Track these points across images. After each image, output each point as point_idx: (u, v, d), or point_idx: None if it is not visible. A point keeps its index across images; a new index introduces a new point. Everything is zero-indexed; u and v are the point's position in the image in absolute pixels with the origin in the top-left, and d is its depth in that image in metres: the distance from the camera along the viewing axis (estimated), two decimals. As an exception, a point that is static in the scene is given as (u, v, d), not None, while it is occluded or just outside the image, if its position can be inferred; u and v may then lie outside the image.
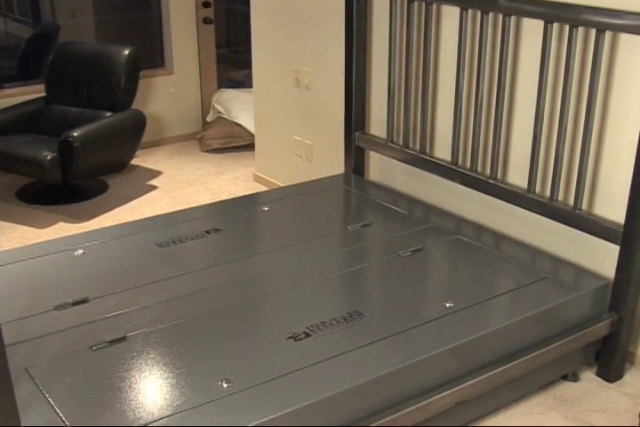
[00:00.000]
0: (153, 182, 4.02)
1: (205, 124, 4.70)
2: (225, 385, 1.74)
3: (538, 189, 2.48)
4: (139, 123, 3.83)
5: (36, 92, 4.01)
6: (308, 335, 1.95)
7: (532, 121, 2.39)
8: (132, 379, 1.78)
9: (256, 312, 2.11)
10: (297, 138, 3.59)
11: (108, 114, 3.77)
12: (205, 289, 2.21)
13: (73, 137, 3.43)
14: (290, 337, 1.94)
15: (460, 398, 1.96)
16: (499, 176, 2.58)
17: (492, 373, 2.01)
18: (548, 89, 2.34)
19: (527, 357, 2.08)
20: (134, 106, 3.89)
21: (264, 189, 3.78)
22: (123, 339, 1.93)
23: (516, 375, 2.10)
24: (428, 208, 2.86)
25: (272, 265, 2.38)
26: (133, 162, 4.14)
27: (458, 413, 2.01)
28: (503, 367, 2.03)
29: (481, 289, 2.21)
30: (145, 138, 3.99)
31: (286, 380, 1.77)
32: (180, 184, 3.99)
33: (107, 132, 3.65)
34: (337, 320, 2.02)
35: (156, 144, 4.58)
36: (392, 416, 1.84)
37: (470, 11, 2.52)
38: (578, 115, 2.31)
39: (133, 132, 3.83)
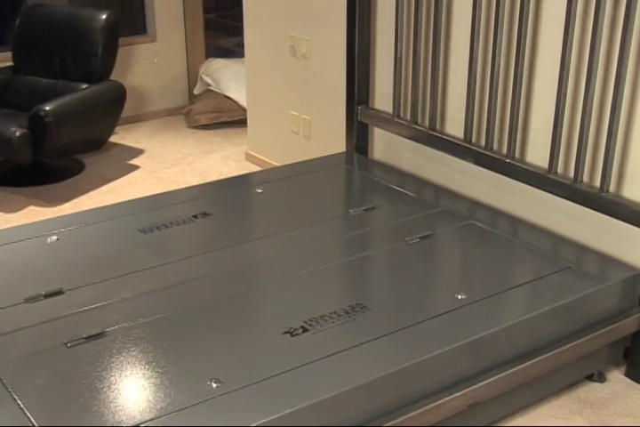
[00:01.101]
0: (134, 162, 4.02)
1: (192, 98, 4.68)
2: (214, 385, 1.74)
3: (560, 170, 2.47)
4: (118, 96, 3.81)
5: (1, 60, 3.98)
6: (305, 330, 1.95)
7: (555, 93, 2.37)
8: (112, 379, 1.78)
9: (248, 305, 2.11)
10: (293, 113, 3.57)
11: (84, 86, 3.75)
12: (193, 279, 2.21)
13: (44, 111, 3.41)
14: (286, 332, 1.94)
15: (472, 400, 1.96)
16: (516, 155, 2.57)
17: (508, 372, 2.01)
18: (573, 55, 2.32)
19: (548, 355, 2.08)
20: (113, 77, 3.87)
21: (257, 169, 3.78)
22: (101, 335, 1.93)
23: (536, 375, 2.10)
24: (438, 190, 2.86)
25: (266, 253, 2.38)
26: (112, 139, 4.14)
27: (470, 416, 2.01)
28: (521, 366, 2.03)
29: (496, 280, 2.21)
30: (125, 113, 3.98)
31: (281, 379, 1.77)
32: (165, 164, 3.99)
33: (82, 105, 3.64)
34: (337, 314, 2.02)
35: (137, 119, 4.57)
36: (398, 420, 1.84)
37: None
38: (606, 85, 2.29)
39: (112, 106, 3.81)
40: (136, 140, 4.31)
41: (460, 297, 2.10)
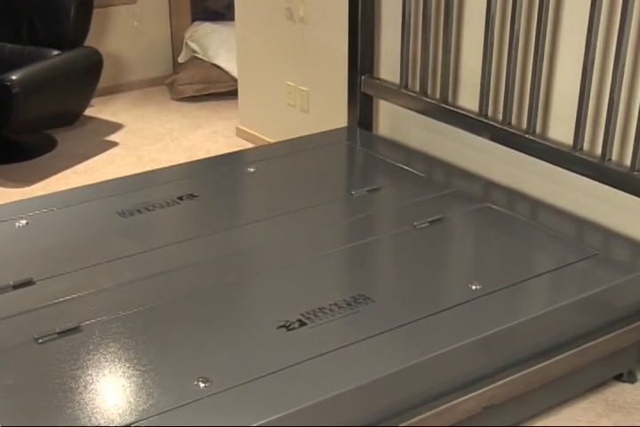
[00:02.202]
0: (112, 138, 4.02)
1: (177, 67, 4.67)
2: (202, 385, 1.75)
3: (586, 147, 2.46)
4: (93, 64, 3.80)
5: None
6: (302, 324, 1.95)
7: (581, 60, 2.36)
8: (88, 378, 1.78)
9: (240, 296, 2.11)
10: (290, 83, 3.57)
11: (55, 52, 3.73)
12: (178, 268, 2.21)
13: (11, 81, 3.39)
14: (281, 326, 1.94)
15: (488, 401, 1.96)
16: (537, 130, 2.56)
17: (527, 371, 2.01)
18: (603, 15, 2.30)
19: (572, 352, 2.09)
20: (87, 43, 3.85)
21: (249, 145, 3.79)
22: (76, 329, 1.93)
23: (558, 375, 2.10)
24: (450, 169, 2.86)
25: (259, 239, 2.38)
26: (87, 112, 4.12)
27: (485, 420, 2.02)
28: (542, 365, 2.04)
29: (514, 268, 2.21)
30: (102, 83, 3.97)
31: (276, 379, 1.77)
32: (146, 140, 3.99)
33: (53, 74, 3.62)
34: (338, 306, 2.02)
35: (115, 90, 4.56)
36: (404, 424, 1.85)
37: None
38: (639, 51, 2.28)
39: (87, 76, 3.80)
40: (114, 113, 4.30)
41: (473, 288, 2.10)
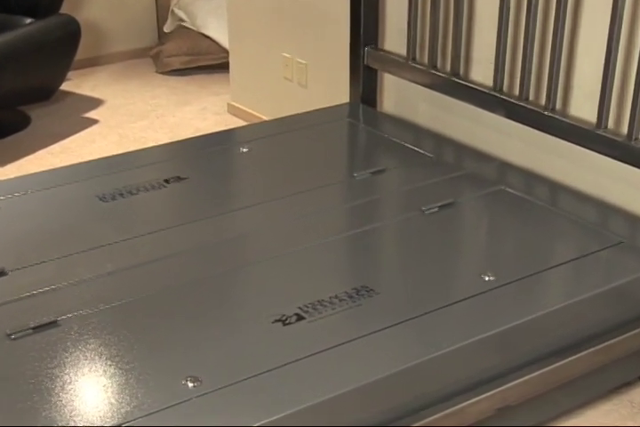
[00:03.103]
0: (91, 115, 4.01)
1: (162, 37, 4.65)
2: (190, 385, 1.75)
3: (611, 125, 2.46)
4: (70, 33, 3.78)
5: None
6: (300, 318, 1.95)
7: (606, 29, 2.35)
8: (65, 378, 1.78)
9: (232, 288, 2.11)
10: (286, 55, 3.56)
11: (28, 20, 3.71)
12: (164, 257, 2.21)
13: (-19, 52, 3.38)
14: (276, 320, 1.94)
15: (502, 403, 1.97)
16: (558, 106, 2.56)
17: (546, 370, 2.01)
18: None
19: (594, 349, 2.09)
20: (64, 10, 3.83)
21: (242, 123, 3.79)
22: (52, 324, 1.93)
23: (579, 374, 2.10)
24: (462, 150, 2.86)
25: (253, 225, 2.38)
26: (64, 87, 4.12)
27: (499, 423, 2.02)
28: (561, 363, 2.04)
29: (531, 258, 2.21)
30: (79, 55, 3.95)
31: (271, 378, 1.77)
32: (129, 117, 3.98)
33: (26, 45, 3.61)
34: (339, 298, 2.02)
35: (95, 63, 4.55)
36: (412, 426, 1.85)
37: None
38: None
39: (63, 47, 3.78)
40: (93, 88, 4.29)
41: (486, 279, 2.10)
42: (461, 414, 1.91)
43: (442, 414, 1.87)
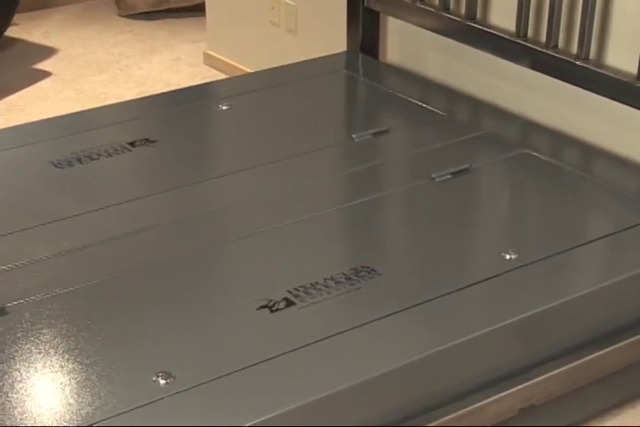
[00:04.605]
0: (43, 66, 3.99)
1: (127, -26, 4.61)
2: (162, 382, 1.74)
3: (653, 76, 2.45)
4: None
5: None
6: (290, 304, 1.95)
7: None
8: (15, 374, 1.78)
9: (210, 268, 2.11)
10: (272, -5, 3.54)
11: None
12: (130, 233, 2.21)
13: None
14: (263, 306, 1.94)
15: (526, 401, 1.97)
16: (592, 55, 2.54)
17: (576, 363, 2.02)
18: None
19: (633, 339, 2.09)
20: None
21: (221, 76, 3.78)
22: (0, 311, 1.93)
23: (617, 368, 2.11)
24: (478, 106, 2.86)
25: (235, 196, 2.39)
26: (9, 33, 4.10)
27: (522, 424, 2.03)
28: (594, 355, 2.04)
29: (560, 233, 2.21)
30: (29, -5, 3.93)
31: (256, 374, 1.77)
32: (88, 69, 3.97)
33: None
34: (335, 280, 2.02)
35: (46, 4, 4.52)
36: (421, 428, 1.86)
37: None
38: None
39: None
40: (45, 34, 4.27)
41: (508, 257, 2.10)
42: (478, 415, 1.91)
43: (455, 414, 1.88)
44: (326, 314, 1.92)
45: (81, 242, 2.16)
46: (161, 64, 4.00)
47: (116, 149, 2.56)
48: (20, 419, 1.67)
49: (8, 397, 1.71)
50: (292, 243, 2.19)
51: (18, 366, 1.79)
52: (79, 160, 2.51)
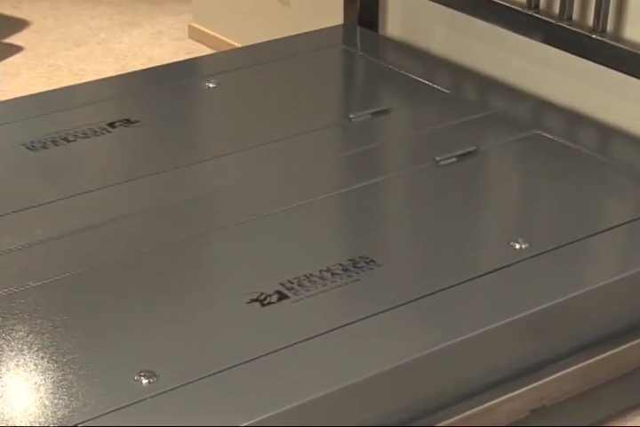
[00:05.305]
0: (14, 40, 3.99)
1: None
2: (145, 381, 1.74)
3: (675, 51, 2.45)
4: None
5: None
6: (283, 297, 1.95)
7: None
8: (-13, 372, 1.78)
9: (198, 259, 2.11)
10: (263, -37, 3.53)
11: None
12: (110, 221, 2.21)
13: None
14: (253, 300, 1.94)
15: (537, 402, 1.97)
16: (609, 28, 2.54)
17: (592, 361, 2.02)
18: None
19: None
20: None
21: (208, 51, 3.77)
22: (-31, 305, 1.94)
23: (633, 366, 2.11)
24: (486, 84, 2.86)
25: (223, 180, 2.38)
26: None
27: (535, 425, 2.03)
28: (611, 352, 2.04)
29: (574, 220, 2.21)
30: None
31: (246, 372, 1.77)
32: (63, 43, 3.96)
33: None
34: (332, 272, 2.02)
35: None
36: (423, 431, 1.87)
37: None
38: None
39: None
40: (16, 5, 4.26)
41: (517, 247, 2.10)
42: (486, 416, 1.91)
43: (462, 415, 1.88)
44: (322, 308, 1.93)
45: (56, 231, 2.16)
46: (142, 38, 4.00)
47: (95, 131, 2.56)
48: (-9, 422, 1.68)
49: (-23, 398, 1.72)
50: (284, 231, 2.19)
51: (-12, 365, 1.79)
52: (54, 142, 2.50)
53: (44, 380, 1.76)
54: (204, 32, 3.89)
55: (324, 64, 3.00)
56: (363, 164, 2.46)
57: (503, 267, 2.04)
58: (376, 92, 2.87)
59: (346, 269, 2.02)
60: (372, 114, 2.63)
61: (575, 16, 2.60)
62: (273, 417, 1.68)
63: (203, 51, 3.80)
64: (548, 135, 2.52)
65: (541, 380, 1.96)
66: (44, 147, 2.48)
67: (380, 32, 3.16)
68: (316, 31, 3.13)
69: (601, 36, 2.51)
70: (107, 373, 1.76)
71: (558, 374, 1.98)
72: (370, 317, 1.90)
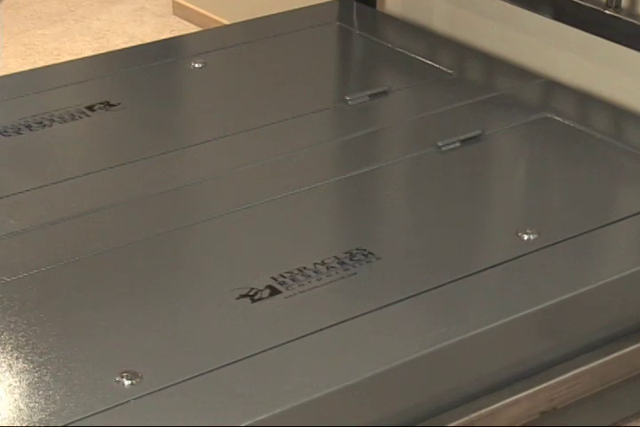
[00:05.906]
0: (-14, 18, 3.98)
1: None
2: (127, 382, 1.74)
3: (694, 27, 2.44)
4: None
5: None
6: (275, 292, 1.95)
7: None
8: (-41, 373, 1.78)
9: (183, 252, 2.13)
10: None
11: None
12: (90, 211, 2.21)
13: None
14: (243, 295, 1.94)
15: (548, 403, 1.97)
16: (623, 3, 2.54)
17: (606, 359, 2.02)
18: None
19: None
20: None
21: (194, 29, 3.77)
22: (-61, 302, 1.94)
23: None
24: (492, 64, 2.86)
25: (211, 167, 2.39)
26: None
27: (543, 427, 2.05)
28: (627, 350, 2.05)
29: (586, 209, 2.22)
30: None
31: (235, 373, 1.77)
32: (37, 21, 3.96)
33: None
34: (327, 266, 2.02)
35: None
36: (427, 434, 1.87)
37: None
38: None
39: None
40: (-12, -20, 4.26)
41: (526, 237, 2.10)
42: (493, 418, 1.91)
43: (468, 417, 1.88)
44: (316, 304, 1.93)
45: (30, 222, 2.16)
46: (123, 14, 4.00)
47: (72, 114, 2.56)
48: (-37, 426, 1.68)
49: (-52, 401, 1.72)
50: (276, 222, 2.20)
51: (-41, 366, 1.79)
52: (29, 127, 2.51)
53: (19, 382, 1.76)
54: (189, 8, 3.89)
55: (319, 42, 3.00)
56: (360, 149, 2.46)
57: (511, 259, 2.04)
58: (374, 72, 2.87)
59: (342, 263, 2.03)
60: (370, 96, 2.64)
61: (587, -10, 2.61)
62: (264, 420, 1.68)
63: (188, 28, 3.80)
64: (558, 118, 2.52)
65: (551, 380, 1.96)
66: (19, 132, 2.49)
67: (379, 8, 3.15)
68: (309, 7, 3.13)
69: (615, 11, 2.51)
70: (86, 374, 1.76)
71: (570, 374, 1.98)
72: (367, 313, 1.90)
